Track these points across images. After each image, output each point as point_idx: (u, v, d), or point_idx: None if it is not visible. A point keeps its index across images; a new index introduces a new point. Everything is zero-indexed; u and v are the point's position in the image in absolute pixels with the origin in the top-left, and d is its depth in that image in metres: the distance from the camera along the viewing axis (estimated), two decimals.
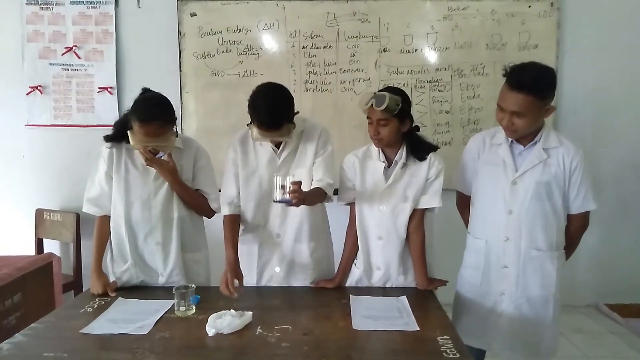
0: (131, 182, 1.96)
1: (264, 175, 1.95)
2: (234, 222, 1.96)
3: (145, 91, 1.91)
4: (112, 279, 1.99)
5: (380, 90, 1.87)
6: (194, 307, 1.72)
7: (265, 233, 2.00)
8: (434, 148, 1.92)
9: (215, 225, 2.09)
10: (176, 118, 1.90)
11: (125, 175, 1.95)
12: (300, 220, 1.98)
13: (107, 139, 1.95)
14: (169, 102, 1.89)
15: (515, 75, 1.72)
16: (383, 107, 1.77)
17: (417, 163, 1.90)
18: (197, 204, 2.03)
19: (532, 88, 1.68)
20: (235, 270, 1.83)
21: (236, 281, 1.81)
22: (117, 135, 1.93)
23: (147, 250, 1.98)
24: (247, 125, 1.85)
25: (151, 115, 1.78)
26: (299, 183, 1.69)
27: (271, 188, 1.80)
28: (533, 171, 1.81)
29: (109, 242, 2.01)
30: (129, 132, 1.81)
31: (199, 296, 1.77)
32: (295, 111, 1.85)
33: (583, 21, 3.30)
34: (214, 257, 2.18)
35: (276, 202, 1.73)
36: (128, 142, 1.85)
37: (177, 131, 1.89)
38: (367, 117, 1.86)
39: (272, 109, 1.76)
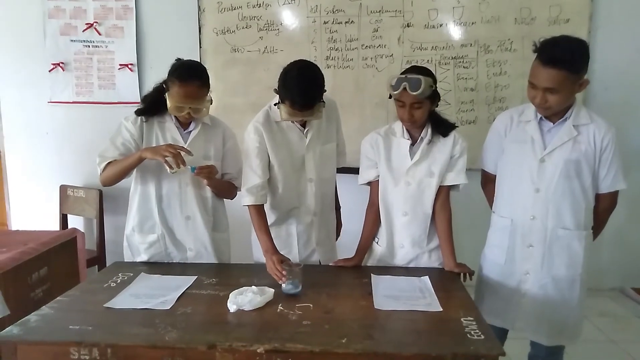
0: None
1: (297, 154, 1.94)
2: (262, 210, 1.92)
3: (180, 60, 1.94)
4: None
5: (405, 70, 1.82)
6: (190, 169, 1.83)
7: (302, 212, 2.00)
8: (453, 125, 1.90)
9: (236, 206, 2.09)
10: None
11: None
12: (331, 195, 2.09)
13: (139, 112, 1.95)
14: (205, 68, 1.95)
15: (546, 50, 1.66)
16: (419, 92, 1.72)
17: (441, 140, 1.88)
18: (226, 191, 2.06)
19: (565, 62, 1.61)
20: (277, 253, 1.80)
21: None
22: (149, 109, 1.94)
23: (177, 224, 1.99)
24: (275, 104, 1.82)
25: (191, 73, 1.84)
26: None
27: (304, 167, 1.91)
28: (562, 149, 1.76)
29: (130, 213, 2.02)
30: (167, 94, 1.84)
31: (195, 167, 1.85)
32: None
33: None
34: (233, 238, 2.18)
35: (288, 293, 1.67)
36: (160, 114, 1.92)
37: (212, 99, 1.92)
38: (397, 100, 1.80)
39: (307, 89, 1.74)
